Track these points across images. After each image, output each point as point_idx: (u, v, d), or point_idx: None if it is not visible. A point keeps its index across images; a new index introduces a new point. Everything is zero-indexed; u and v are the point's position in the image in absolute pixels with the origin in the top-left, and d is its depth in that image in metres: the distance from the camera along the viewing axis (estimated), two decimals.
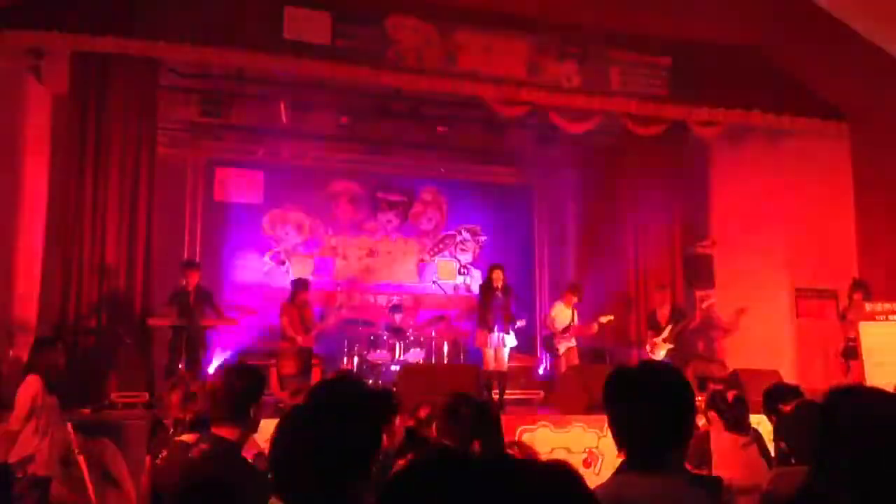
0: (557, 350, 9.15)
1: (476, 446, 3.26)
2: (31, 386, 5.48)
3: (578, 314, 9.41)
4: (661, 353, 9.11)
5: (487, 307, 8.49)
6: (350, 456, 1.58)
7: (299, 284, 9.18)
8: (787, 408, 3.97)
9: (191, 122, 10.45)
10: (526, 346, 11.71)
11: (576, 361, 9.19)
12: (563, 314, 9.30)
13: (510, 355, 9.01)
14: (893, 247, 8.96)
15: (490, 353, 8.46)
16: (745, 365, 8.84)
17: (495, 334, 8.42)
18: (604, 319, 9.23)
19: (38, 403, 5.45)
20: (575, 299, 9.34)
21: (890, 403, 1.59)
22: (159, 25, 7.83)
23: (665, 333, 9.15)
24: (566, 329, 9.21)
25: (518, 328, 8.69)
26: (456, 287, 11.94)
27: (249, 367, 2.81)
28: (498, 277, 8.56)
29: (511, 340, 8.55)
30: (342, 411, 1.68)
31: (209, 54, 8.07)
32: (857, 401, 1.63)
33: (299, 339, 8.70)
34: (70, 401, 6.53)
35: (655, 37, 9.30)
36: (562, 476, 1.10)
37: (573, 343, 9.23)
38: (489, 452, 3.24)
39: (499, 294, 8.50)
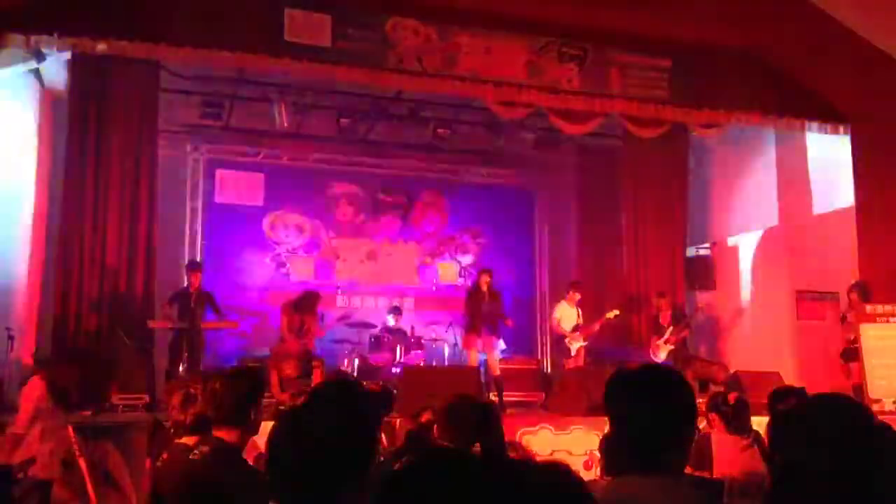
0: (570, 350, 9.14)
1: (477, 447, 3.26)
2: (35, 389, 5.45)
3: (582, 313, 9.41)
4: (662, 355, 9.11)
5: (475, 312, 8.56)
6: (345, 457, 1.58)
7: (310, 297, 8.85)
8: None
9: (191, 123, 10.46)
10: (526, 347, 11.72)
11: (581, 363, 9.20)
12: (568, 313, 9.30)
13: (509, 358, 9.04)
14: (894, 249, 8.95)
15: (475, 356, 8.51)
16: (746, 367, 8.85)
17: (483, 339, 8.47)
18: (610, 315, 9.23)
19: (41, 406, 5.43)
20: (578, 296, 9.35)
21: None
22: (159, 27, 7.83)
23: (667, 335, 9.15)
24: (575, 328, 9.20)
25: (510, 328, 8.75)
26: (456, 289, 11.93)
27: (250, 368, 2.81)
28: (486, 282, 8.60)
29: (500, 344, 8.60)
30: (337, 412, 1.68)
31: (209, 56, 8.06)
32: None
33: (290, 342, 8.62)
34: (71, 403, 6.53)
35: (656, 38, 9.29)
36: (560, 477, 1.10)
37: (584, 342, 9.22)
38: (490, 453, 3.24)
39: (486, 299, 8.54)
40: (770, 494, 1.61)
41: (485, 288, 8.60)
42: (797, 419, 1.63)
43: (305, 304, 8.82)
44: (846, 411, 1.58)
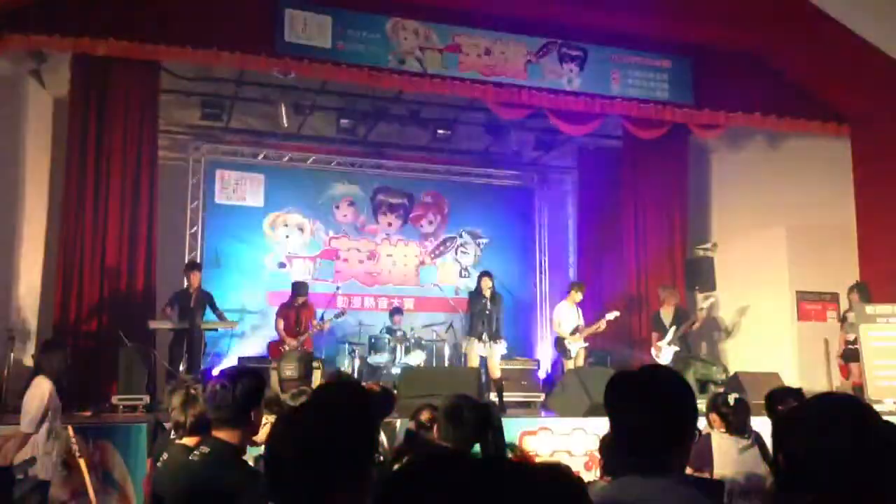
0: (569, 352, 9.13)
1: (477, 448, 3.26)
2: (43, 389, 5.43)
3: (583, 314, 9.40)
4: (666, 356, 9.06)
5: (476, 314, 8.57)
6: (344, 458, 1.58)
7: (297, 288, 9.26)
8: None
9: (192, 124, 10.48)
10: (526, 348, 11.72)
11: (582, 363, 9.19)
12: (568, 314, 9.28)
13: (509, 359, 9.04)
14: (894, 249, 8.95)
15: (475, 359, 8.52)
16: (746, 367, 8.85)
17: (483, 341, 8.48)
18: (610, 316, 9.21)
19: (51, 406, 5.42)
20: (579, 297, 9.33)
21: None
22: (160, 28, 7.84)
23: (669, 336, 9.12)
24: (576, 329, 9.19)
25: (507, 341, 8.83)
26: (457, 290, 11.93)
27: (250, 369, 2.80)
28: (487, 285, 8.62)
29: (500, 348, 8.61)
30: (336, 413, 1.68)
31: (210, 57, 8.08)
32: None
33: (289, 341, 8.77)
34: (71, 403, 6.53)
35: (656, 38, 9.31)
36: (561, 478, 1.10)
37: (584, 344, 9.21)
38: (490, 454, 3.24)
39: (487, 302, 8.56)
40: (774, 495, 1.61)
41: (486, 291, 8.62)
42: (800, 419, 1.63)
43: (296, 296, 9.01)
44: (850, 411, 1.58)
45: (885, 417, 1.60)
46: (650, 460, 1.75)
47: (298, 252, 11.55)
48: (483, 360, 8.63)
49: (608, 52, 9.25)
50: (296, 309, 9.12)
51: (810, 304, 10.09)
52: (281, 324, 9.05)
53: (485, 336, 8.52)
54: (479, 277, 8.89)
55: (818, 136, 9.85)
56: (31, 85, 8.70)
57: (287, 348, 8.64)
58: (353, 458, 1.60)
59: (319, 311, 9.54)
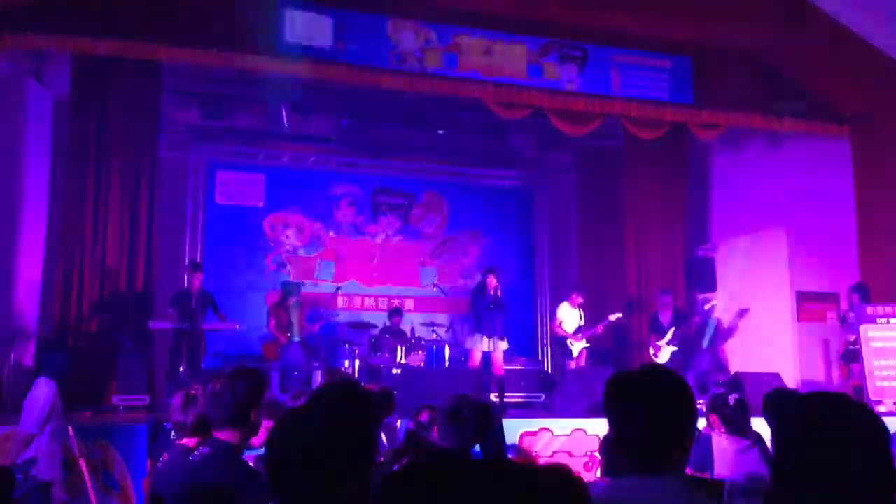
0: (570, 352, 9.18)
1: (477, 448, 3.26)
2: (47, 389, 5.43)
3: (584, 316, 9.43)
4: (664, 357, 9.10)
5: (480, 311, 8.58)
6: (345, 457, 1.58)
7: (286, 288, 9.41)
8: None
9: (192, 124, 10.47)
10: (527, 348, 11.72)
11: (583, 364, 9.23)
12: (570, 315, 9.33)
13: (509, 358, 9.05)
14: (894, 249, 8.95)
15: (479, 356, 8.54)
16: (747, 368, 8.85)
17: (487, 338, 8.49)
18: (613, 317, 9.27)
19: (55, 406, 5.42)
20: (580, 299, 9.38)
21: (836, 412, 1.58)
22: (160, 28, 7.83)
23: (668, 336, 9.15)
24: (577, 330, 9.24)
25: (510, 334, 8.85)
26: (457, 290, 11.93)
27: (250, 369, 2.81)
28: (491, 282, 8.63)
29: (504, 344, 8.63)
30: (336, 412, 1.68)
31: (210, 57, 8.07)
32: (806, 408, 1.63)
33: (283, 339, 8.97)
34: (71, 404, 6.53)
35: (656, 38, 9.30)
36: (562, 478, 1.10)
37: (585, 344, 9.25)
38: (490, 454, 3.24)
39: (491, 299, 8.56)
40: (771, 494, 1.61)
41: (490, 287, 8.63)
42: (798, 419, 1.63)
43: (286, 298, 9.24)
44: (849, 410, 1.58)
45: (884, 418, 1.60)
46: (650, 460, 1.75)
47: (298, 252, 11.55)
48: (485, 357, 8.64)
49: (608, 52, 9.24)
50: (286, 308, 9.27)
51: (810, 304, 10.08)
52: (273, 323, 9.20)
53: (489, 333, 8.52)
54: (485, 274, 8.90)
55: (818, 136, 9.84)
56: (31, 85, 8.70)
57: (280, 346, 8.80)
58: (353, 458, 1.60)
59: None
